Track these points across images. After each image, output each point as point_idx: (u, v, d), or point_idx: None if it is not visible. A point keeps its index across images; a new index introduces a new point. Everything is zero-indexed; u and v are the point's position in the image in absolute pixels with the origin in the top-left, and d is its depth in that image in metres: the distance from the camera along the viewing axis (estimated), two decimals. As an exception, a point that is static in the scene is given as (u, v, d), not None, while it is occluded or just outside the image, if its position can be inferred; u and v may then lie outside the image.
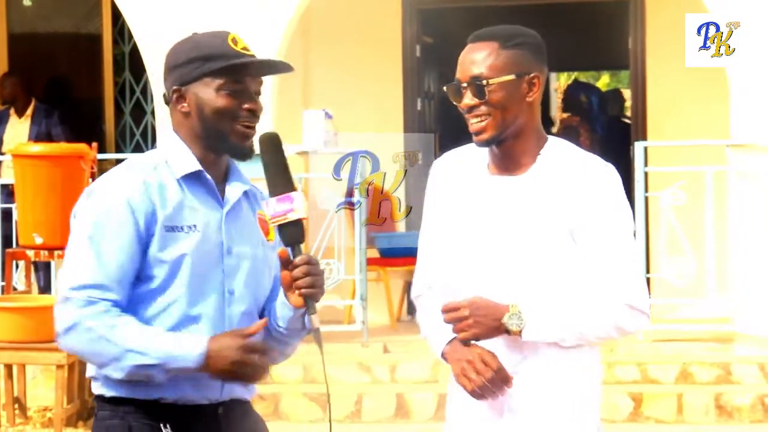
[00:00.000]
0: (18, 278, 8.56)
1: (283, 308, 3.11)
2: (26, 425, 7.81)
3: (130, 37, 10.27)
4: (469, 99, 3.16)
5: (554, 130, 16.12)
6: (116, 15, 10.40)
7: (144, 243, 3.01)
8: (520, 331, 3.10)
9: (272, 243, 3.15)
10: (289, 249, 3.01)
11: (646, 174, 8.58)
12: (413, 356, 8.44)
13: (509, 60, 3.15)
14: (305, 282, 2.99)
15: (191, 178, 3.09)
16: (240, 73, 3.07)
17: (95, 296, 2.96)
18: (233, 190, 3.14)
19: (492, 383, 3.11)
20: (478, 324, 3.11)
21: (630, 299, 3.13)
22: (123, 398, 3.06)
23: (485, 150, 3.23)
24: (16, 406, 7.73)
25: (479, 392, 3.13)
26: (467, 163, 3.26)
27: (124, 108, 11.14)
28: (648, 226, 9.19)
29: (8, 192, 9.13)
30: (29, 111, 10.64)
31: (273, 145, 3.05)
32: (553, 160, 3.19)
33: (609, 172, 3.18)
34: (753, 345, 8.36)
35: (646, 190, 8.58)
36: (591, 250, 3.13)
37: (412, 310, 10.34)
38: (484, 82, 3.13)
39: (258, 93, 3.11)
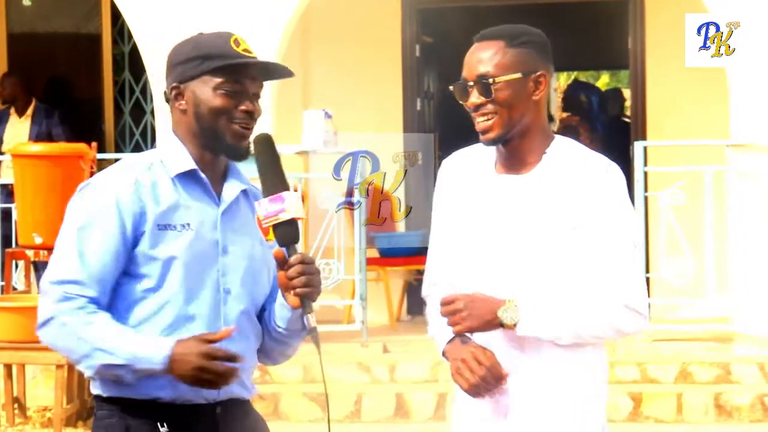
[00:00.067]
0: (17, 278, 8.55)
1: (282, 309, 3.11)
2: (26, 425, 7.81)
3: (130, 37, 10.27)
4: (475, 97, 3.17)
5: (554, 128, 16.11)
6: (116, 15, 10.40)
7: (130, 243, 3.02)
8: (515, 325, 3.10)
9: (271, 243, 3.14)
10: (284, 249, 3.01)
11: (645, 174, 8.58)
12: (413, 356, 8.44)
13: (515, 59, 3.16)
14: (300, 281, 2.99)
15: (186, 177, 3.09)
16: (239, 73, 3.07)
17: (72, 292, 2.98)
18: (230, 189, 3.14)
19: (485, 381, 3.11)
20: (472, 317, 3.10)
21: (628, 300, 3.12)
22: (121, 398, 3.06)
23: (493, 149, 3.24)
24: (16, 405, 7.73)
25: (474, 390, 3.13)
26: (475, 162, 3.27)
27: (123, 108, 11.14)
28: (647, 226, 9.18)
29: (8, 192, 9.14)
30: (30, 111, 10.64)
31: (266, 145, 3.05)
32: (559, 159, 3.19)
33: (613, 171, 3.17)
34: (752, 345, 8.36)
35: (646, 190, 8.58)
36: (591, 248, 3.12)
37: (411, 310, 10.35)
38: (491, 80, 3.14)
39: (257, 95, 3.11)
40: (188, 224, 3.06)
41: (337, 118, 9.07)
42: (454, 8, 11.20)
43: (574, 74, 19.55)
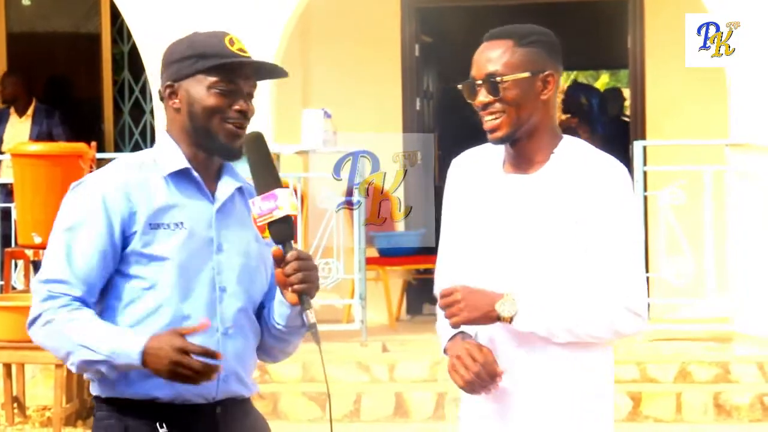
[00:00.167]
0: (17, 277, 8.56)
1: (281, 306, 3.11)
2: (25, 424, 7.81)
3: (129, 36, 10.27)
4: (483, 96, 3.17)
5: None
6: (115, 14, 10.40)
7: (120, 243, 3.02)
8: (512, 318, 3.09)
9: (268, 240, 3.14)
10: (281, 247, 3.01)
11: (645, 173, 8.58)
12: (412, 355, 8.44)
13: (524, 58, 3.17)
14: (297, 278, 2.98)
15: (179, 176, 3.09)
16: (233, 72, 3.07)
17: (57, 291, 2.99)
18: (224, 187, 3.14)
19: (480, 378, 3.10)
20: (470, 308, 3.09)
21: (628, 302, 3.12)
22: (120, 398, 3.06)
23: (502, 148, 3.24)
24: (15, 405, 7.73)
25: (469, 387, 3.13)
26: (483, 162, 3.27)
27: (123, 107, 11.13)
28: (647, 226, 9.18)
29: (7, 191, 9.13)
30: (30, 111, 10.63)
31: (257, 144, 3.04)
32: (566, 158, 3.19)
33: (618, 171, 3.17)
34: (752, 344, 8.36)
35: (645, 190, 8.58)
36: (593, 243, 3.12)
37: (410, 309, 10.36)
38: (499, 79, 3.15)
39: (251, 95, 3.11)
40: (181, 223, 3.05)
41: (337, 117, 9.07)
42: (453, 8, 11.20)
43: (573, 74, 19.54)
